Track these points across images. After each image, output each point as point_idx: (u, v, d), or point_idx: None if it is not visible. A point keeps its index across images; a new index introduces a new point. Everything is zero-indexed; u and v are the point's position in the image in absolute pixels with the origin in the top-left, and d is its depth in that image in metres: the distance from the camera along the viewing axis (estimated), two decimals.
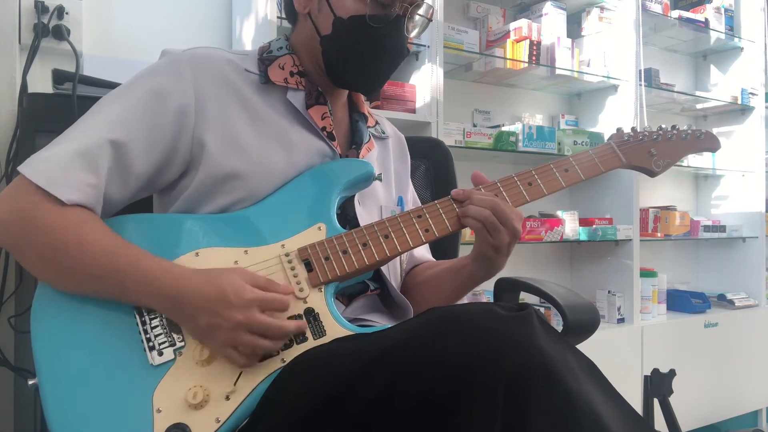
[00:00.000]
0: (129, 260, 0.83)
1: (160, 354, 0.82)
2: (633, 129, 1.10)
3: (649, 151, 1.09)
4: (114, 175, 0.88)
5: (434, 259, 1.24)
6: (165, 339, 0.83)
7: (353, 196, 1.03)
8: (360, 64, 1.01)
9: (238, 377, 0.82)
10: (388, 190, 1.15)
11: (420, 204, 1.26)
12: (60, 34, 1.66)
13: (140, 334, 0.83)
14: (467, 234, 2.09)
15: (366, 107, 1.16)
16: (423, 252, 1.23)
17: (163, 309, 0.84)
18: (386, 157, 1.17)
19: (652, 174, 1.10)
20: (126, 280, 0.82)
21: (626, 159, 1.07)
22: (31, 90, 1.59)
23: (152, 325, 0.84)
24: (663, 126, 1.12)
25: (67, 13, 1.68)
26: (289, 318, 0.86)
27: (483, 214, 0.93)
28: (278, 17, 1.76)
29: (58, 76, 1.41)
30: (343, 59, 1.01)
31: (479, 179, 1.00)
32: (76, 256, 0.82)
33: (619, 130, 1.11)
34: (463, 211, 0.96)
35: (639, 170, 1.11)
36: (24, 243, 0.84)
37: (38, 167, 0.84)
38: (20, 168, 0.84)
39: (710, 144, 1.14)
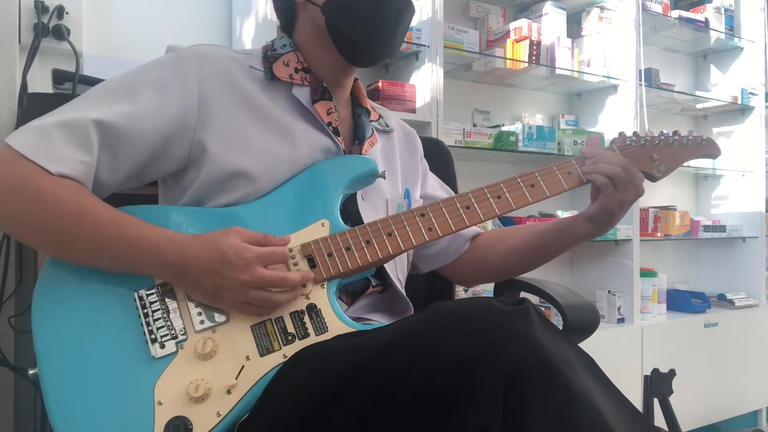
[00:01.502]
0: (132, 229, 0.83)
1: (162, 346, 0.82)
2: (635, 133, 1.10)
3: (651, 156, 1.09)
4: (104, 157, 0.87)
5: (481, 230, 1.25)
6: (167, 331, 0.83)
7: (356, 192, 1.03)
8: (367, 18, 0.99)
9: (240, 371, 0.82)
10: (393, 184, 1.14)
11: (446, 186, 1.29)
12: (60, 34, 1.66)
13: (142, 326, 0.83)
14: None
15: (368, 102, 1.16)
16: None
17: (166, 277, 0.85)
18: (391, 151, 1.17)
19: (653, 179, 1.11)
20: (129, 249, 0.82)
21: None
22: (31, 90, 1.59)
23: (154, 317, 0.84)
24: (665, 131, 1.12)
25: (67, 13, 1.68)
26: (291, 313, 0.87)
27: (614, 170, 0.99)
28: (277, 15, 1.75)
29: (58, 76, 1.41)
30: (348, 17, 0.99)
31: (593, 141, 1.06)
32: (75, 224, 0.82)
33: (621, 134, 1.11)
34: (592, 168, 1.01)
35: None
36: (14, 212, 0.82)
37: (27, 139, 0.82)
38: (8, 139, 0.83)
39: (711, 151, 1.15)
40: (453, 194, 1.22)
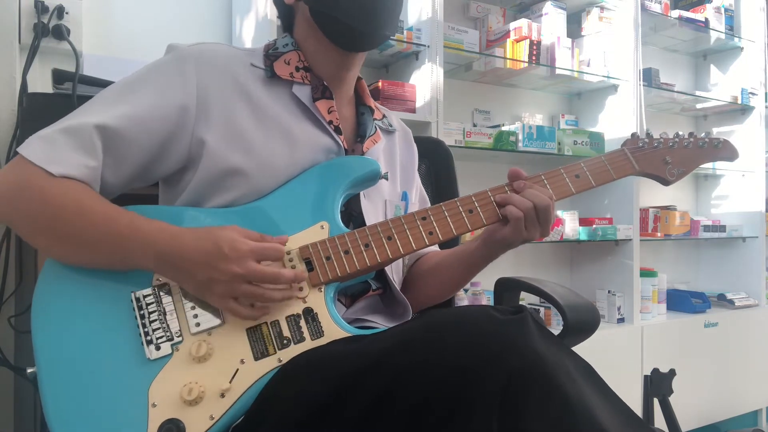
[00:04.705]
0: (127, 224, 0.84)
1: (158, 348, 0.82)
2: (648, 135, 1.06)
3: (664, 159, 1.05)
4: (108, 160, 0.89)
5: (437, 248, 1.23)
6: (163, 333, 0.83)
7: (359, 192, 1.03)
8: None
9: (234, 375, 0.82)
10: (393, 185, 1.14)
11: (426, 198, 1.26)
12: (60, 33, 1.66)
13: (138, 327, 0.83)
14: (468, 237, 2.09)
15: (372, 101, 1.15)
16: None
17: (160, 269, 0.85)
18: (393, 151, 1.17)
19: (666, 183, 1.07)
20: (125, 243, 0.83)
21: (639, 166, 1.04)
22: (31, 90, 1.59)
23: (151, 319, 0.84)
24: (680, 133, 1.08)
25: (67, 13, 1.68)
26: (287, 317, 0.86)
27: (527, 209, 0.94)
28: (278, 16, 1.75)
29: (58, 76, 1.41)
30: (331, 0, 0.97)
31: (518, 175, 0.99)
32: (74, 223, 0.84)
33: (634, 135, 1.06)
34: (505, 199, 0.96)
35: (652, 178, 1.08)
36: (20, 212, 0.86)
37: (34, 146, 0.86)
38: (19, 149, 0.86)
39: (728, 153, 1.10)
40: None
